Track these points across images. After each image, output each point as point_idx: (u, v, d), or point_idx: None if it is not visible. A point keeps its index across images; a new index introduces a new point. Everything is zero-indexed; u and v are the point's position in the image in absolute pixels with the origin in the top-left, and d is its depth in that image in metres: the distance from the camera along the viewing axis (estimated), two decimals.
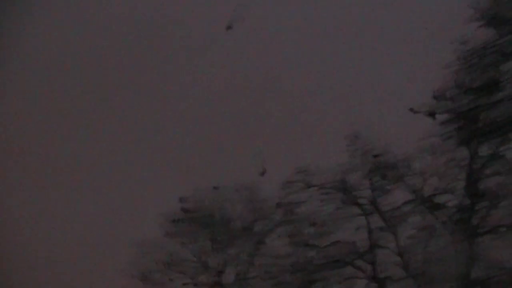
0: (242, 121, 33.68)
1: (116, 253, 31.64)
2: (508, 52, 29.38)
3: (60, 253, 32.89)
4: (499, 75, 29.53)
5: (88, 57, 33.78)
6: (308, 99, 33.26)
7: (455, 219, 29.86)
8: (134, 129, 33.97)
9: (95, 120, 34.22)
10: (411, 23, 32.05)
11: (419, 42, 31.40)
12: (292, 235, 31.45)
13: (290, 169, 31.33)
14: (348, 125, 30.82)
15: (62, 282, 32.41)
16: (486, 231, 29.58)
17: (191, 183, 32.08)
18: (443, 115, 30.11)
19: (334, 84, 32.94)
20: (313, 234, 31.15)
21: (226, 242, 32.28)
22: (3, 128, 33.47)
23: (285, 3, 33.64)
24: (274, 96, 33.32)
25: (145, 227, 31.76)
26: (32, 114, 33.70)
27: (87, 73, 34.34)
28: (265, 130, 33.14)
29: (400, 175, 30.41)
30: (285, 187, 31.51)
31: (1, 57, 33.08)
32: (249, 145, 32.98)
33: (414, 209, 30.29)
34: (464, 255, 29.59)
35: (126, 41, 33.73)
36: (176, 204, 32.51)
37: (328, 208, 31.02)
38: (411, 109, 29.98)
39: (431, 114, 29.58)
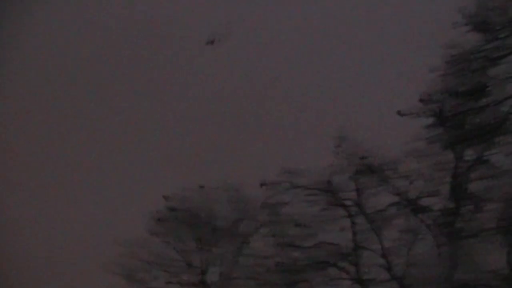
0: (229, 121, 33.75)
1: (101, 251, 31.58)
2: (495, 58, 29.53)
3: (45, 250, 32.85)
4: (486, 80, 29.68)
5: (77, 60, 33.88)
6: (295, 100, 33.39)
7: (440, 222, 30.01)
8: (120, 128, 33.98)
9: (82, 119, 34.27)
10: (399, 27, 32.22)
11: (406, 45, 31.57)
12: (277, 235, 31.50)
13: (276, 169, 31.40)
14: (335, 126, 30.95)
15: (46, 279, 32.32)
16: (470, 235, 29.70)
17: (176, 182, 32.10)
18: (429, 118, 30.28)
19: (321, 86, 33.10)
20: (297, 235, 31.22)
21: (211, 242, 32.31)
22: None
23: (276, 9, 33.80)
24: (261, 97, 33.43)
25: (130, 226, 31.71)
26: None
27: (72, 76, 34.41)
28: (251, 131, 33.21)
29: (386, 177, 30.54)
30: (270, 188, 31.55)
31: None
32: (236, 145, 33.07)
33: (399, 211, 30.45)
34: (448, 258, 29.76)
35: (116, 43, 33.84)
36: (161, 202, 32.54)
37: (313, 209, 31.12)
38: (398, 112, 30.09)
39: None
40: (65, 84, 34.48)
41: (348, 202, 30.96)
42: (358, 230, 30.73)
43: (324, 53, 33.52)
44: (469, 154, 30.13)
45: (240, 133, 33.08)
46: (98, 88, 34.15)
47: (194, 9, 33.43)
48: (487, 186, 29.79)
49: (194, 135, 33.39)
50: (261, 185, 31.08)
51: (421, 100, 30.19)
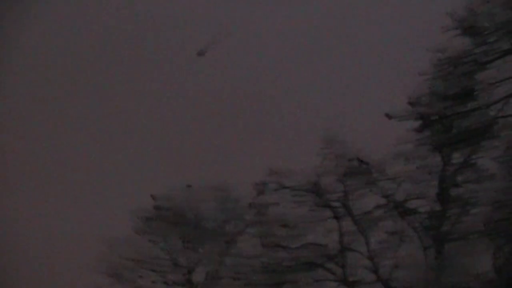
0: (217, 122, 33.78)
1: (87, 249, 31.47)
2: (483, 62, 29.73)
3: (31, 249, 32.68)
4: (473, 84, 29.89)
5: (68, 62, 33.90)
6: (283, 101, 33.44)
7: (426, 225, 30.19)
8: (109, 127, 33.90)
9: (70, 119, 34.18)
10: (388, 30, 32.41)
11: (395, 49, 31.75)
12: (264, 236, 31.50)
13: (264, 170, 31.43)
14: (323, 128, 31.00)
15: (32, 277, 32.18)
16: (456, 238, 29.92)
17: (164, 181, 32.05)
18: (417, 121, 30.43)
19: (310, 87, 33.18)
20: (284, 235, 31.23)
21: (197, 241, 32.27)
22: None
23: (266, 13, 33.89)
24: (250, 98, 33.46)
25: (117, 224, 31.64)
26: None
27: (60, 76, 34.35)
28: (239, 131, 33.25)
29: (373, 179, 30.64)
30: (257, 188, 31.57)
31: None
32: (224, 145, 33.09)
33: (386, 213, 30.56)
34: (434, 261, 29.92)
35: (107, 46, 33.87)
36: (148, 201, 32.45)
37: (300, 210, 31.14)
38: (387, 115, 30.21)
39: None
40: (52, 84, 34.41)
41: (335, 204, 31.03)
42: (345, 231, 30.80)
43: (313, 56, 33.65)
44: (456, 157, 30.33)
45: (228, 133, 33.13)
46: (87, 88, 34.10)
47: (185, 17, 33.56)
48: (474, 190, 30.01)
49: (182, 135, 33.37)
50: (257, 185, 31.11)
51: (409, 103, 30.34)
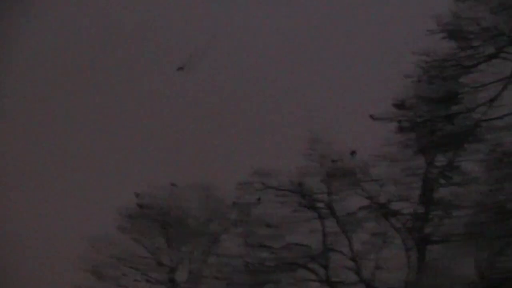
0: (201, 120, 33.80)
1: (70, 247, 31.42)
2: (468, 66, 29.95)
3: (10, 245, 32.56)
4: (458, 87, 30.08)
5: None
6: (268, 101, 33.53)
7: (409, 227, 30.33)
8: (93, 124, 33.89)
9: (55, 116, 34.13)
10: (374, 32, 32.56)
11: (381, 50, 31.90)
12: (247, 235, 31.56)
13: (248, 170, 31.48)
14: (307, 129, 31.07)
15: (12, 274, 32.06)
16: (438, 240, 30.09)
17: (147, 179, 32.04)
18: (401, 123, 30.57)
19: (295, 87, 33.29)
20: (268, 235, 31.29)
21: (181, 240, 32.30)
22: None
23: (249, 15, 34.01)
24: (234, 97, 33.51)
25: (100, 222, 31.59)
26: None
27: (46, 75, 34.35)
28: (224, 130, 33.30)
29: (357, 180, 30.77)
30: (241, 188, 31.62)
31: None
32: (208, 144, 33.12)
33: (369, 214, 30.70)
34: (416, 263, 30.10)
35: (93, 48, 33.89)
36: (131, 199, 32.44)
37: (284, 210, 31.22)
38: (371, 116, 30.33)
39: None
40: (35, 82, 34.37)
41: (319, 204, 31.12)
42: (329, 232, 30.90)
43: (298, 57, 33.77)
44: (440, 160, 30.52)
45: (213, 132, 33.17)
46: (72, 88, 34.07)
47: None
48: (457, 192, 30.21)
49: (167, 133, 33.38)
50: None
51: (394, 105, 30.48)
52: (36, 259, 32.26)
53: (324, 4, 33.50)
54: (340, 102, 31.83)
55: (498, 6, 29.39)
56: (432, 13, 30.19)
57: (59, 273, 31.59)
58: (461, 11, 30.07)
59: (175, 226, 32.30)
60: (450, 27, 30.15)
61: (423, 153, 30.45)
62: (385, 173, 30.48)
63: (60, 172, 33.80)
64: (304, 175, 31.05)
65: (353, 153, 30.59)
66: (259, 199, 31.03)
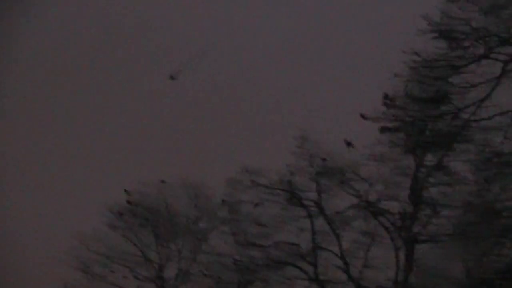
0: (191, 119, 33.83)
1: (58, 243, 31.40)
2: (458, 66, 29.96)
3: (0, 241, 32.52)
4: (448, 87, 30.10)
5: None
6: (258, 100, 33.58)
7: (398, 226, 30.36)
8: (83, 122, 33.93)
9: (45, 114, 34.13)
10: (364, 31, 32.62)
11: (371, 49, 31.98)
12: (236, 233, 31.55)
13: (237, 168, 31.47)
14: (297, 127, 31.11)
15: (0, 270, 32.01)
16: (426, 239, 30.13)
17: (137, 176, 32.06)
18: (391, 123, 30.59)
19: (284, 87, 33.35)
20: (257, 233, 31.30)
21: (170, 237, 32.30)
22: None
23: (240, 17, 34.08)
24: (224, 96, 33.56)
25: (89, 219, 31.60)
26: None
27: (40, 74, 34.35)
28: (214, 129, 33.35)
29: (346, 179, 30.77)
30: (230, 186, 31.61)
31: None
32: (198, 143, 33.13)
33: (358, 213, 30.71)
34: (404, 262, 30.13)
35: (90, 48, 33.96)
36: (121, 196, 32.43)
37: (273, 208, 31.23)
38: (362, 115, 30.33)
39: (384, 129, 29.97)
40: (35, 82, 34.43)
41: (308, 203, 31.14)
42: (318, 230, 30.91)
43: (288, 56, 33.84)
44: (429, 159, 30.53)
45: (203, 130, 33.21)
46: (62, 87, 34.09)
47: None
48: (445, 192, 30.25)
49: (157, 131, 33.45)
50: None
51: (384, 104, 30.50)
52: (25, 256, 32.25)
53: (314, 5, 33.57)
54: (330, 101, 31.91)
55: (489, 7, 29.43)
56: (423, 13, 30.24)
57: (48, 269, 31.57)
58: (452, 11, 30.06)
59: (164, 223, 32.30)
60: (441, 27, 30.15)
61: (412, 152, 30.45)
62: (374, 172, 30.50)
63: (50, 169, 33.85)
64: (294, 173, 31.06)
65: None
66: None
